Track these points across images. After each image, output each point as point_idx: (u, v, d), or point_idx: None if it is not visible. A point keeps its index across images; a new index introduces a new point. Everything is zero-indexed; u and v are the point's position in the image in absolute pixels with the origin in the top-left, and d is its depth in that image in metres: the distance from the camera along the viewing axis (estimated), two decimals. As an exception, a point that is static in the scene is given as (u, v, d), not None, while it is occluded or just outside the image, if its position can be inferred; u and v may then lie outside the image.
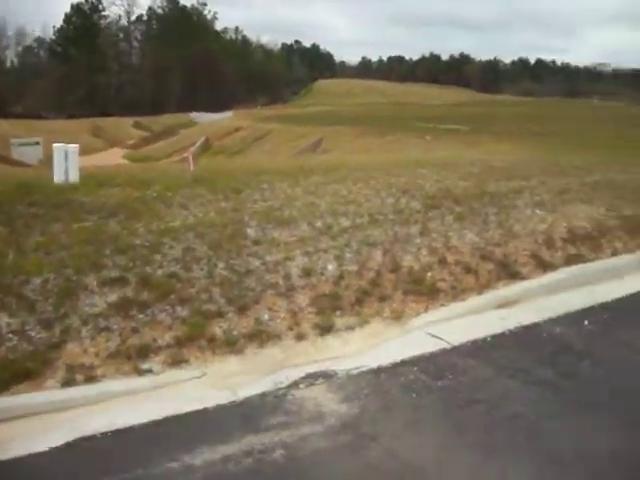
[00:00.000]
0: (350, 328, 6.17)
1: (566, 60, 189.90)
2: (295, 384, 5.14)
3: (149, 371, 5.32)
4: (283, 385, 5.12)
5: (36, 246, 7.37)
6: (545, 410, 4.81)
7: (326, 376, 5.28)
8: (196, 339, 5.71)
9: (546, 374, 5.41)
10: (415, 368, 5.42)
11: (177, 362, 5.45)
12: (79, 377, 5.17)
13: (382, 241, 8.10)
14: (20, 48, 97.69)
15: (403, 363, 5.52)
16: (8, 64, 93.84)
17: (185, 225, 8.16)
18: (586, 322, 6.57)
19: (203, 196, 9.89)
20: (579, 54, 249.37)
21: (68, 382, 5.12)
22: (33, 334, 5.62)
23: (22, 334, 5.61)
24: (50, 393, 5.00)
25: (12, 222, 8.28)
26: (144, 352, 5.49)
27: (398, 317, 6.47)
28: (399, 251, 7.86)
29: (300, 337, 5.92)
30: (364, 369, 5.40)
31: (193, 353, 5.57)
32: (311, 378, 5.24)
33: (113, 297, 6.20)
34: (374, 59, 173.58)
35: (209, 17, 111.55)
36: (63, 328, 5.71)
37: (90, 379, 5.16)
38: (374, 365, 5.47)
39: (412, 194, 10.66)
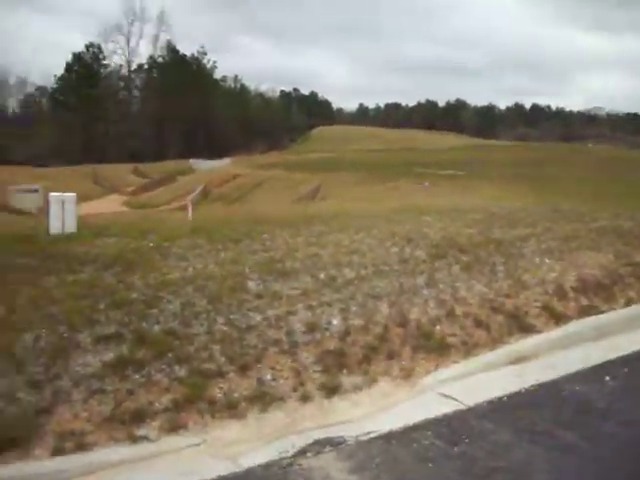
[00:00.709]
0: (358, 388, 5.83)
1: (561, 105, 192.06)
2: (302, 452, 4.78)
3: (144, 438, 4.95)
4: (289, 454, 4.76)
5: (28, 300, 7.07)
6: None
7: (334, 443, 4.92)
8: (195, 402, 5.36)
9: (569, 437, 5.06)
10: (429, 433, 5.07)
11: (174, 427, 5.09)
12: (69, 445, 4.80)
13: (388, 293, 7.80)
14: (21, 96, 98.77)
15: (416, 427, 5.17)
16: (10, 112, 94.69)
17: (183, 277, 7.88)
18: (607, 378, 6.24)
19: (202, 246, 9.64)
20: (574, 99, 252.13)
21: (57, 451, 4.76)
22: (22, 397, 5.28)
23: (10, 397, 5.26)
24: (37, 464, 4.64)
25: (4, 274, 8.01)
26: (139, 417, 5.13)
27: (408, 376, 6.13)
28: (406, 303, 7.56)
29: (305, 399, 5.57)
30: (374, 435, 5.05)
31: (192, 417, 5.21)
32: (318, 445, 4.88)
33: (108, 356, 5.87)
34: (371, 106, 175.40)
35: (208, 66, 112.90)
36: (54, 390, 5.37)
37: (81, 447, 4.80)
38: (385, 430, 5.12)
39: (416, 243, 10.41)
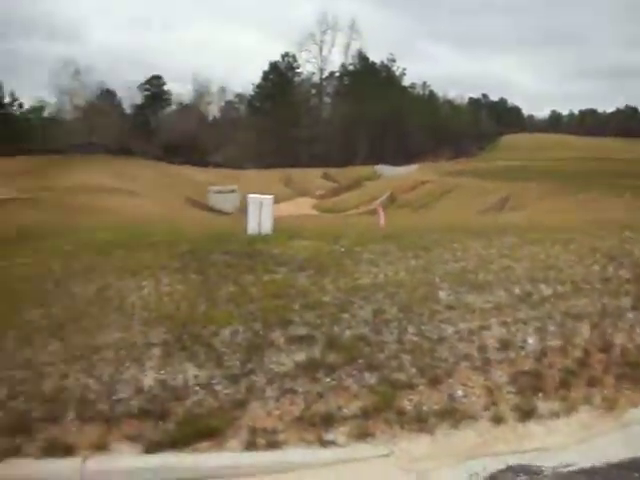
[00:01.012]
0: (555, 415, 5.43)
1: None
2: (493, 477, 4.53)
3: (333, 443, 4.96)
4: (479, 477, 4.54)
5: (227, 297, 7.44)
6: None
7: (529, 472, 4.62)
8: (383, 411, 5.28)
9: None
10: (636, 474, 4.59)
11: (362, 435, 5.04)
12: (261, 441, 4.92)
13: (589, 314, 7.27)
14: (222, 103, 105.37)
15: (620, 466, 4.70)
16: (211, 118, 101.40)
17: (374, 284, 7.89)
18: None
19: (392, 253, 9.60)
20: None
21: (250, 445, 4.89)
22: (219, 389, 5.52)
23: (208, 388, 5.52)
24: (232, 456, 4.80)
25: (206, 271, 8.49)
26: (329, 421, 5.15)
27: (611, 407, 5.61)
28: (609, 327, 6.99)
29: (497, 420, 5.29)
30: (574, 468, 4.66)
31: (380, 427, 5.14)
32: (512, 472, 4.61)
33: (300, 356, 5.99)
34: (564, 112, 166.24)
35: (398, 73, 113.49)
36: (248, 385, 5.56)
37: (272, 445, 4.89)
38: (585, 465, 4.71)
39: (620, 261, 9.63)
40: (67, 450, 4.74)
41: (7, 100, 75.30)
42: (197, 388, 5.51)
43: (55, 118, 76.24)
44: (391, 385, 5.60)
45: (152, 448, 4.79)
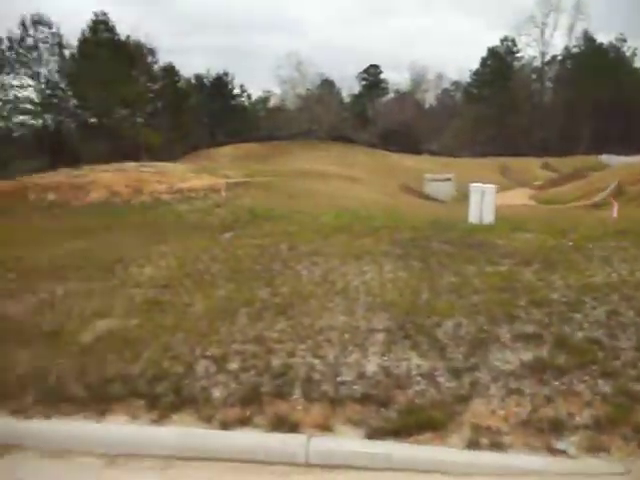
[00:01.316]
0: None
1: None
2: None
3: (562, 452, 4.64)
4: None
5: (449, 287, 7.31)
6: None
7: None
8: (619, 424, 4.83)
9: None
10: None
11: (594, 448, 4.64)
12: (484, 441, 4.74)
13: None
14: (439, 91, 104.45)
15: None
16: (427, 106, 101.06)
17: (608, 283, 7.30)
18: None
19: (627, 250, 8.85)
20: None
21: (472, 444, 4.73)
22: (441, 381, 5.42)
23: (431, 379, 5.44)
24: (455, 452, 4.67)
25: (427, 259, 8.43)
26: (558, 428, 4.82)
27: None
28: None
29: None
30: None
31: (614, 441, 4.70)
32: None
33: (526, 355, 5.69)
34: None
35: (628, 54, 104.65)
36: (472, 381, 5.40)
37: (496, 446, 4.69)
38: None
39: None
40: (292, 427, 4.92)
41: (237, 92, 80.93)
42: (419, 378, 5.45)
43: (280, 108, 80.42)
44: (629, 396, 5.12)
45: (374, 434, 4.82)
